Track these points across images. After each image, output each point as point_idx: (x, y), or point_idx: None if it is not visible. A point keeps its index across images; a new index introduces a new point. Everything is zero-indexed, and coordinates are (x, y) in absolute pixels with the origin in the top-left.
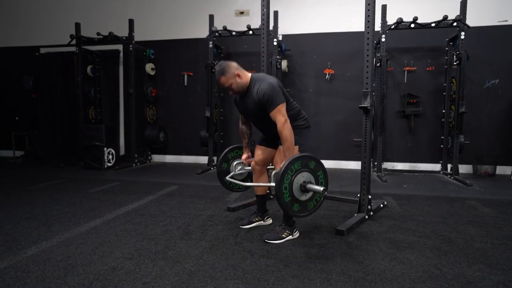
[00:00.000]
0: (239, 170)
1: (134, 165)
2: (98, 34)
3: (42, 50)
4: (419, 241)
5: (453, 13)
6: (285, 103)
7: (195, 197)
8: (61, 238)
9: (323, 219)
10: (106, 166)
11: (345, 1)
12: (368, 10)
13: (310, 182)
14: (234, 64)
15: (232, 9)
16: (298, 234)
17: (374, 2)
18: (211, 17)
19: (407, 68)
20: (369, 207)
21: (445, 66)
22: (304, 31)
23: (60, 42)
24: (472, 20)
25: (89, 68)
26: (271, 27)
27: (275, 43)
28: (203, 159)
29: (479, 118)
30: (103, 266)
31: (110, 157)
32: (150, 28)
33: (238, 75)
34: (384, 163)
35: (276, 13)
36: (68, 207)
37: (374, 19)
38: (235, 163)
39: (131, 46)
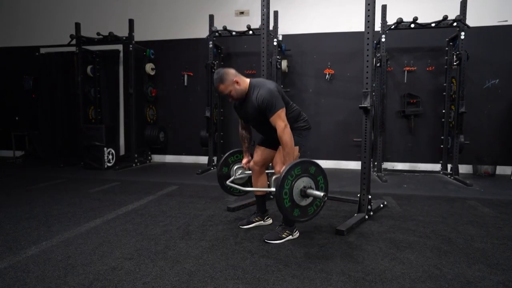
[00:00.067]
0: (239, 175)
1: (134, 165)
2: (98, 34)
3: (42, 50)
4: (419, 241)
5: (453, 13)
6: (284, 108)
7: (195, 197)
8: (61, 238)
9: (323, 219)
10: (106, 166)
11: (345, 1)
12: (368, 10)
13: (310, 187)
14: (232, 71)
15: (232, 9)
16: (298, 234)
17: (374, 2)
18: (211, 17)
19: (407, 68)
20: (369, 207)
21: (445, 66)
22: (304, 31)
23: (60, 42)
24: (472, 20)
25: (89, 68)
26: (271, 27)
27: (275, 43)
28: (203, 159)
29: (479, 118)
30: (103, 266)
31: (110, 157)
32: (150, 28)
33: (237, 82)
34: (384, 163)
35: (276, 13)
36: (68, 207)
37: (374, 19)
38: (235, 167)
39: (131, 46)
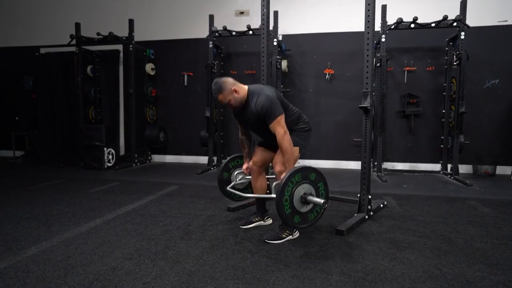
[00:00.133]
0: (240, 180)
1: (134, 165)
2: (98, 34)
3: (42, 50)
4: (419, 241)
5: (453, 13)
6: (283, 114)
7: (195, 197)
8: (61, 238)
9: (323, 219)
10: (106, 166)
11: (345, 1)
12: (368, 10)
13: (311, 194)
14: (229, 80)
15: (232, 9)
16: (298, 234)
17: (374, 2)
18: (211, 17)
19: (407, 68)
20: (369, 207)
21: (445, 66)
22: (304, 31)
23: (60, 42)
24: (472, 20)
25: (89, 68)
26: (271, 27)
27: (275, 43)
28: (203, 159)
29: (479, 118)
30: (103, 266)
31: (110, 157)
32: (150, 28)
33: (235, 91)
34: (384, 163)
35: (276, 13)
36: (68, 207)
37: (374, 19)
38: (236, 172)
39: (131, 46)
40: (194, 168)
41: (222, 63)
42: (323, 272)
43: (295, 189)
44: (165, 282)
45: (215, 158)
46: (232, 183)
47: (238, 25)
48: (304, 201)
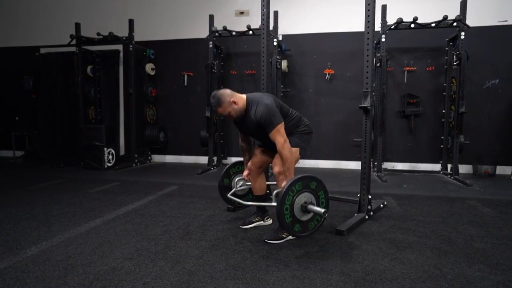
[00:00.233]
0: (240, 186)
1: (134, 165)
2: (98, 34)
3: (42, 50)
4: (419, 241)
5: (453, 13)
6: (283, 123)
7: (195, 197)
8: (61, 238)
9: None
10: (106, 166)
11: (345, 1)
12: (368, 10)
13: (311, 203)
14: (227, 92)
15: (232, 9)
16: None
17: (374, 2)
18: (211, 17)
19: (407, 68)
20: (369, 207)
21: (445, 66)
22: (304, 31)
23: (60, 42)
24: (472, 20)
25: (89, 68)
26: (271, 27)
27: (275, 43)
28: (203, 159)
29: (479, 118)
30: (103, 266)
31: (110, 157)
32: (150, 28)
33: (234, 102)
34: (384, 163)
35: (276, 13)
36: (68, 207)
37: (374, 19)
38: (236, 179)
39: (131, 46)
40: (194, 168)
41: (222, 63)
42: (323, 272)
43: (295, 198)
44: (165, 282)
45: (215, 158)
46: (233, 190)
47: (238, 25)
48: (305, 209)
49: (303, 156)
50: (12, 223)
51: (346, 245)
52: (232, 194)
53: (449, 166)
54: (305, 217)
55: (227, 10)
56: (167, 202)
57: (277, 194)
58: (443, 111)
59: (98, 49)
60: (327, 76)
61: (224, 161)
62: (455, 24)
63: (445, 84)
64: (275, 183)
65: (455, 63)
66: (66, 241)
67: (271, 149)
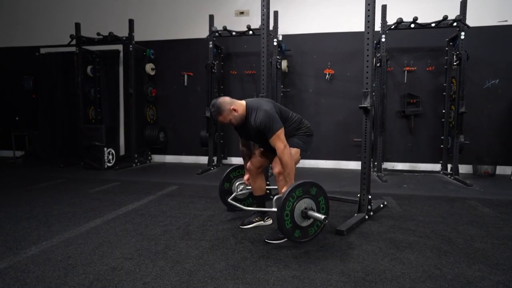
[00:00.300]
0: (241, 190)
1: (134, 165)
2: (98, 34)
3: (42, 50)
4: (419, 241)
5: (453, 13)
6: (283, 128)
7: (195, 197)
8: (61, 238)
9: None
10: (106, 166)
11: (345, 1)
12: (368, 10)
13: (312, 209)
14: (227, 100)
15: (232, 9)
16: None
17: (374, 2)
18: (211, 17)
19: (407, 68)
20: (369, 207)
21: (445, 66)
22: (304, 31)
23: (60, 42)
24: (472, 20)
25: (89, 68)
26: (271, 27)
27: (275, 43)
28: (203, 159)
29: (479, 118)
30: (103, 266)
31: (110, 157)
32: (150, 28)
33: (234, 110)
34: (384, 163)
35: (276, 13)
36: (68, 207)
37: (374, 19)
38: (237, 183)
39: (131, 46)
40: (194, 168)
41: (222, 63)
42: (323, 272)
43: (296, 204)
44: (165, 282)
45: (215, 158)
46: (233, 194)
47: (238, 25)
48: (305, 215)
49: (303, 156)
50: (12, 223)
51: (346, 245)
52: (232, 199)
53: (449, 166)
54: (305, 223)
55: (227, 10)
56: (167, 202)
57: (277, 199)
58: (443, 111)
59: (98, 49)
60: (327, 76)
61: (224, 161)
62: (455, 24)
63: (445, 84)
64: (276, 187)
65: (455, 63)
66: (66, 241)
67: (270, 150)
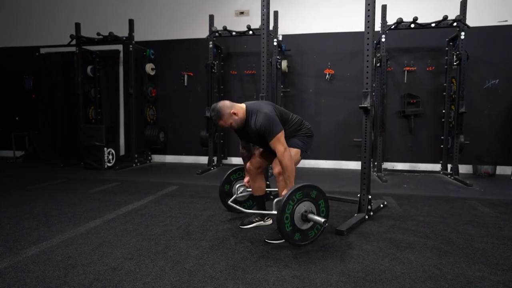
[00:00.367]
0: (241, 193)
1: (134, 165)
2: (98, 34)
3: (42, 50)
4: (419, 241)
5: (453, 13)
6: (283, 131)
7: (195, 197)
8: (61, 238)
9: None
10: (106, 166)
11: (345, 1)
12: (368, 10)
13: (312, 212)
14: (226, 104)
15: (232, 9)
16: None
17: (374, 2)
18: (211, 17)
19: (407, 68)
20: (369, 207)
21: (445, 66)
22: (304, 31)
23: (60, 42)
24: (472, 20)
25: (89, 68)
26: (271, 27)
27: (275, 43)
28: (203, 159)
29: (479, 118)
30: (103, 266)
31: (110, 157)
32: (150, 28)
33: (234, 113)
34: (384, 163)
35: (276, 13)
36: (68, 207)
37: (374, 19)
38: (237, 185)
39: (131, 46)
40: (194, 168)
41: (222, 63)
42: (323, 272)
43: (296, 207)
44: (165, 282)
45: (215, 158)
46: (234, 196)
47: (238, 25)
48: (305, 218)
49: (303, 157)
50: (12, 223)
51: (346, 245)
52: (233, 201)
53: (449, 166)
54: (305, 226)
55: (227, 10)
56: (167, 202)
57: (277, 202)
58: (443, 111)
59: (98, 49)
60: (327, 76)
61: (224, 161)
62: (455, 24)
63: (445, 84)
64: (276, 189)
65: (455, 63)
66: (66, 241)
67: (270, 152)
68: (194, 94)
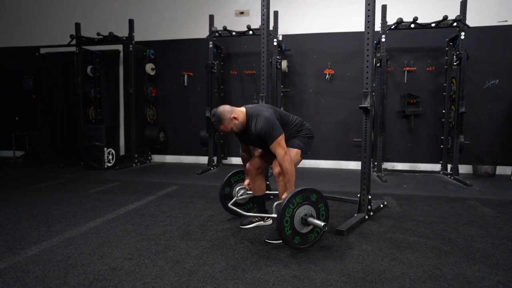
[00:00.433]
0: (241, 195)
1: (134, 165)
2: (98, 34)
3: (42, 50)
4: (419, 241)
5: (453, 13)
6: (283, 134)
7: (195, 197)
8: (61, 238)
9: None
10: (106, 166)
11: (345, 1)
12: (368, 10)
13: (311, 216)
14: (226, 109)
15: (232, 9)
16: None
17: (374, 2)
18: (211, 17)
19: (407, 68)
20: (369, 207)
21: (445, 66)
22: (304, 31)
23: (60, 42)
24: (472, 20)
25: (89, 68)
26: (271, 27)
27: (275, 43)
28: (203, 159)
29: (479, 118)
30: (103, 266)
31: (110, 157)
32: (150, 28)
33: (235, 118)
34: (384, 163)
35: (276, 13)
36: (68, 207)
37: (374, 19)
38: (237, 188)
39: (131, 46)
40: (194, 168)
41: (222, 63)
42: (323, 272)
43: (296, 211)
44: (165, 282)
45: (215, 158)
46: (234, 199)
47: (238, 25)
48: (305, 222)
49: (304, 157)
50: (12, 223)
51: (346, 245)
52: (233, 203)
53: (449, 166)
54: (305, 230)
55: (227, 10)
56: (167, 202)
57: (277, 205)
58: (443, 111)
59: (98, 49)
60: (327, 76)
61: (224, 161)
62: (455, 24)
63: (445, 84)
64: (276, 192)
65: (455, 63)
66: (66, 241)
67: (270, 153)
68: (194, 94)
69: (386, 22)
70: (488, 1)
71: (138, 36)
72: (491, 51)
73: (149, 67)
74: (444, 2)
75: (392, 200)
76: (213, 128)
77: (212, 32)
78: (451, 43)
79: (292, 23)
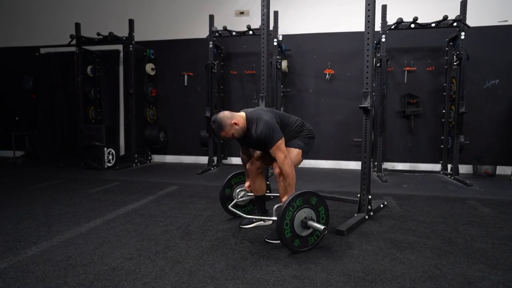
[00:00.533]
0: (241, 197)
1: (134, 165)
2: (98, 34)
3: (42, 50)
4: (419, 241)
5: (453, 13)
6: (283, 138)
7: (195, 197)
8: (61, 238)
9: None
10: (106, 166)
11: (345, 1)
12: (368, 10)
13: (311, 219)
14: (226, 115)
15: (232, 9)
16: None
17: (374, 2)
18: (211, 17)
19: (407, 68)
20: (369, 207)
21: (445, 66)
22: (304, 31)
23: (60, 42)
24: (472, 20)
25: (89, 68)
26: (271, 27)
27: (275, 43)
28: (203, 159)
29: (479, 118)
30: (103, 266)
31: (110, 157)
32: (150, 28)
33: (235, 123)
34: (384, 163)
35: (276, 13)
36: (68, 207)
37: (374, 19)
38: (238, 190)
39: (131, 46)
40: (194, 168)
41: (222, 63)
42: (323, 272)
43: (296, 213)
44: (165, 282)
45: (215, 158)
46: (234, 201)
47: (238, 25)
48: (305, 225)
49: (304, 158)
50: (12, 223)
51: (346, 245)
52: (233, 205)
53: (449, 166)
54: (305, 233)
55: (227, 10)
56: (167, 202)
57: (277, 208)
58: (443, 111)
59: (98, 49)
60: (327, 76)
61: (224, 161)
62: (455, 24)
63: (445, 84)
64: (277, 194)
65: (455, 63)
66: (66, 241)
67: (270, 155)
68: (194, 94)
69: (386, 22)
70: (488, 1)
71: (138, 36)
72: (491, 51)
73: (149, 67)
74: (444, 2)
75: (392, 200)
76: (213, 133)
77: (212, 32)
78: (451, 43)
79: (292, 23)
